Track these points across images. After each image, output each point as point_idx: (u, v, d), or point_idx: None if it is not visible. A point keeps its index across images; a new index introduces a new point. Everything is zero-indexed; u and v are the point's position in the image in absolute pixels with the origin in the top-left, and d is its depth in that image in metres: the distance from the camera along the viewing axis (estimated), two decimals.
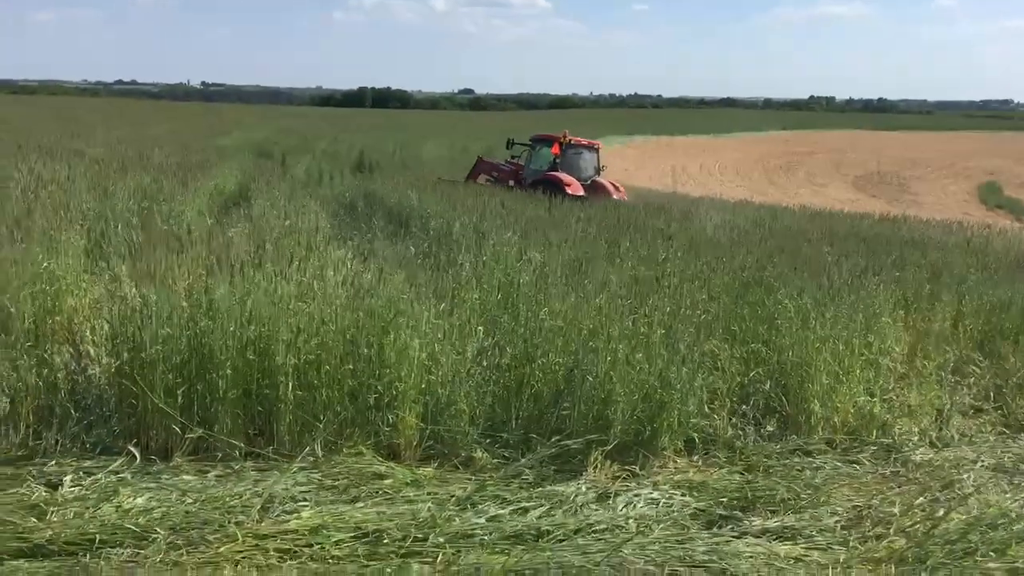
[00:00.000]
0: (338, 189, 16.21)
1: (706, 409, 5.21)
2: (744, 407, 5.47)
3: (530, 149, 19.74)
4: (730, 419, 5.32)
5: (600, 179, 18.92)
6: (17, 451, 4.36)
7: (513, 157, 20.12)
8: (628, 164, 43.52)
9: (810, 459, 5.03)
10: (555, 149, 18.69)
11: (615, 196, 17.81)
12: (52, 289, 5.59)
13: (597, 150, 19.89)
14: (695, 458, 4.98)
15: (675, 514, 4.15)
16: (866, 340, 5.96)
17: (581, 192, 17.42)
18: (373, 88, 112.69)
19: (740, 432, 5.25)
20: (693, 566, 3.58)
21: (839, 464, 4.99)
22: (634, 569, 3.38)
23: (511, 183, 18.68)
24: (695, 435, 5.05)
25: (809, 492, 4.46)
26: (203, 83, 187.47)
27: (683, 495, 4.38)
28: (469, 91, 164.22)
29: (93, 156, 15.09)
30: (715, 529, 4.05)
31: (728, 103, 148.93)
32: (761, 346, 5.85)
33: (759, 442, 5.20)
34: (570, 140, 19.08)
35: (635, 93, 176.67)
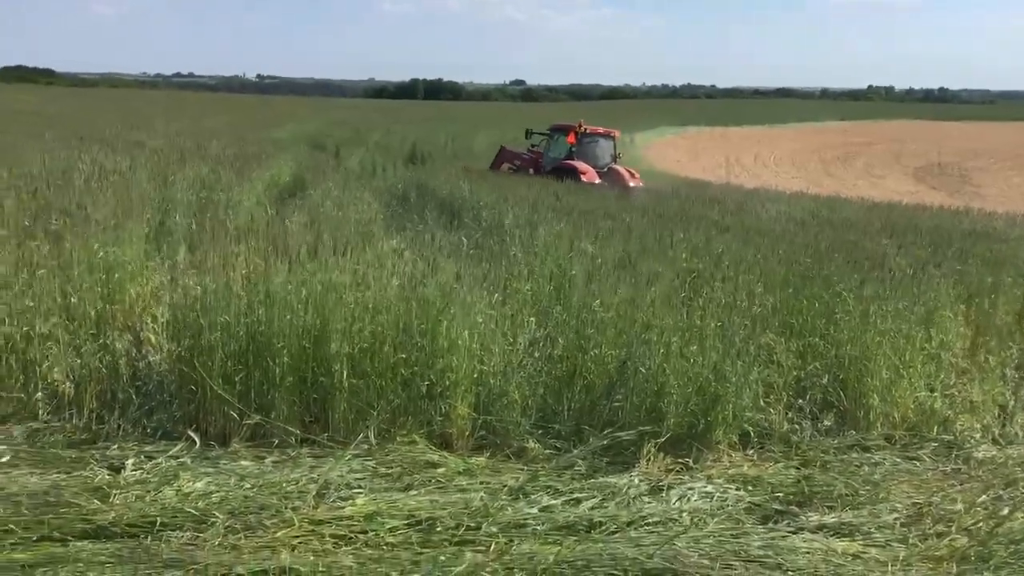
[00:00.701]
0: (391, 180, 16.31)
1: (761, 403, 5.14)
2: (800, 401, 5.39)
3: (548, 138, 20.14)
4: (786, 413, 5.24)
5: (616, 166, 19.24)
6: (81, 434, 4.47)
7: (533, 146, 20.53)
8: (681, 155, 43.13)
9: (868, 455, 4.94)
10: (571, 138, 19.17)
11: (631, 183, 18.06)
12: (115, 277, 5.72)
13: (613, 138, 20.26)
14: (750, 452, 4.92)
15: (729, 508, 4.10)
16: (927, 334, 5.83)
17: (596, 179, 17.77)
18: (425, 80, 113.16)
19: (796, 426, 5.17)
20: (748, 561, 3.53)
21: (898, 460, 4.90)
22: (688, 562, 3.34)
23: (531, 171, 19.12)
24: (750, 429, 4.99)
25: (868, 488, 4.38)
26: (258, 76, 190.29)
27: (738, 489, 4.33)
28: (520, 82, 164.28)
29: (153, 147, 15.41)
30: (771, 524, 4.00)
31: (784, 93, 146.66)
32: (818, 339, 5.75)
33: (816, 437, 5.13)
34: (586, 129, 19.50)
35: (688, 83, 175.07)
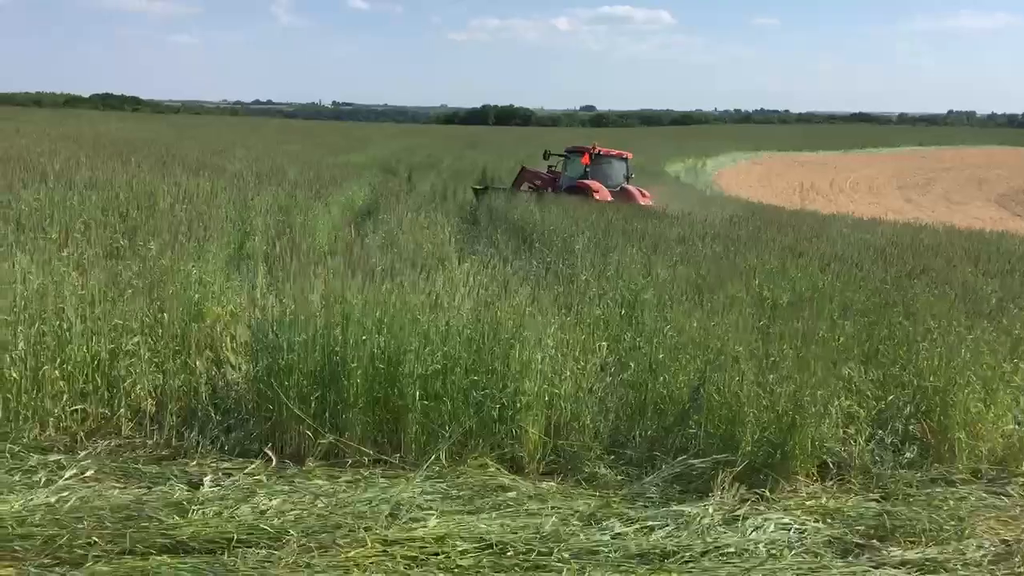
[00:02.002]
0: (462, 204, 16.47)
1: (841, 433, 5.00)
2: (881, 432, 5.22)
3: (565, 159, 21.13)
4: (866, 444, 5.08)
5: (628, 186, 20.09)
6: (162, 450, 4.58)
7: (551, 167, 21.51)
8: (753, 181, 42.61)
9: (953, 489, 4.75)
10: (585, 159, 20.07)
11: (641, 202, 18.96)
12: (197, 297, 5.87)
13: (626, 160, 21.16)
14: (829, 483, 4.78)
15: (808, 541, 3.99)
16: (1015, 365, 5.61)
17: (608, 198, 18.44)
18: (496, 106, 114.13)
19: (877, 458, 5.00)
20: None
21: (985, 495, 4.70)
22: None
23: (549, 190, 19.88)
24: (829, 460, 4.86)
25: (953, 524, 4.22)
26: (334, 102, 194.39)
27: (816, 521, 4.21)
28: (591, 108, 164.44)
29: (233, 171, 15.84)
30: (850, 558, 3.88)
31: (860, 118, 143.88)
32: (900, 369, 5.58)
33: (898, 469, 4.95)
34: (599, 151, 20.52)
35: (761, 108, 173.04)
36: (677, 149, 53.59)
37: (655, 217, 13.26)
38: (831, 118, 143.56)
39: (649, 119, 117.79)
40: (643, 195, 19.62)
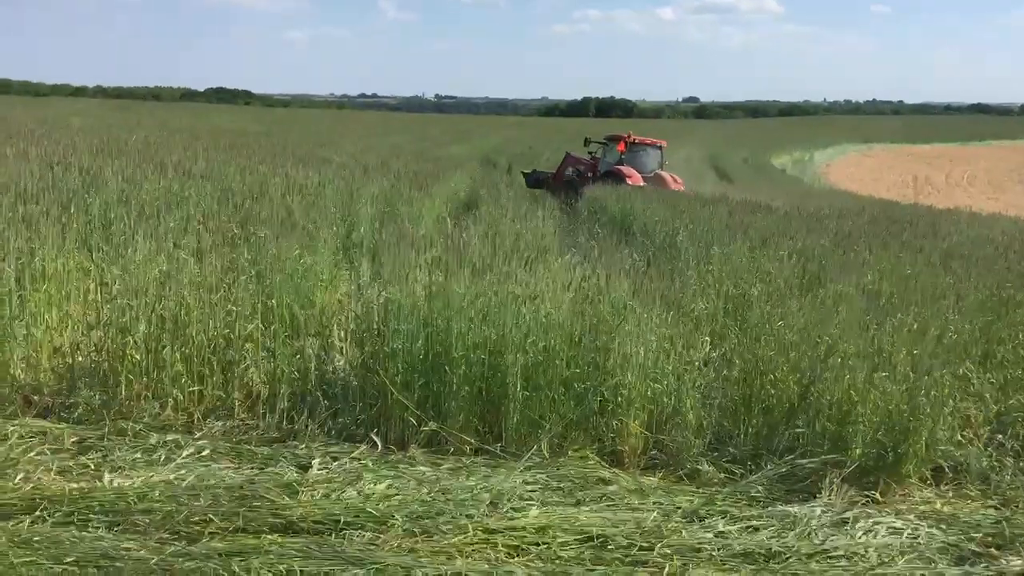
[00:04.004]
0: (562, 197, 16.44)
1: (958, 437, 4.79)
2: (1001, 437, 4.99)
3: (604, 147, 22.66)
4: (985, 449, 4.86)
5: (662, 172, 21.73)
6: (273, 433, 4.74)
7: (591, 153, 22.97)
8: (863, 174, 41.22)
9: None
10: (621, 147, 21.82)
11: (673, 187, 20.45)
12: (307, 284, 6.04)
13: (661, 148, 23.00)
14: (943, 488, 4.59)
15: (921, 546, 3.84)
16: None
17: (640, 183, 20.04)
18: (597, 98, 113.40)
19: (996, 464, 4.78)
20: None
21: None
22: None
23: (590, 174, 21.68)
24: (944, 463, 4.66)
25: None
26: (437, 96, 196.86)
27: (930, 527, 4.05)
28: (694, 99, 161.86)
29: (339, 163, 16.22)
30: (967, 566, 3.71)
31: (979, 109, 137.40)
32: (1022, 372, 5.31)
33: (1018, 476, 4.72)
34: (634, 139, 22.36)
35: (873, 99, 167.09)
36: (783, 141, 52.35)
37: (760, 211, 12.95)
38: (948, 109, 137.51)
39: (754, 110, 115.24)
40: (675, 181, 21.21)
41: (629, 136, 22.40)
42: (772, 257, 7.80)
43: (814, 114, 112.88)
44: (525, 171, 24.34)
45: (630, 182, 19.78)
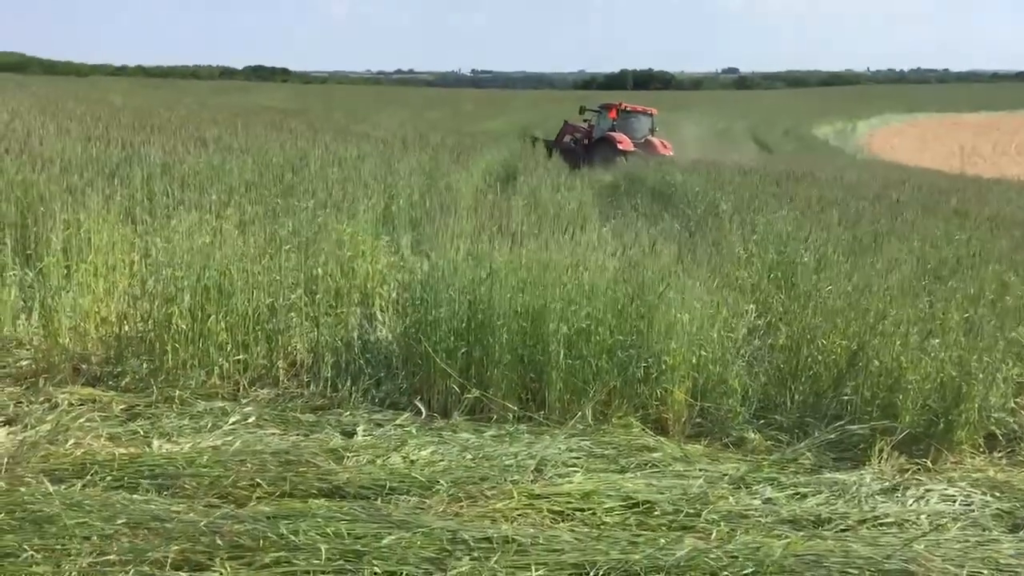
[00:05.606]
0: (600, 170, 16.34)
1: (1012, 403, 4.68)
2: None
3: (598, 114, 23.52)
4: None
5: (652, 138, 22.67)
6: (317, 400, 4.76)
7: (586, 120, 23.66)
8: (908, 143, 40.42)
9: None
10: (612, 114, 22.88)
11: (662, 152, 21.28)
12: (349, 255, 6.06)
13: (651, 115, 23.83)
14: (997, 455, 4.50)
15: (974, 513, 3.76)
16: None
17: (631, 148, 20.95)
18: (634, 70, 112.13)
19: None
20: (997, 570, 3.22)
21: None
22: (931, 566, 3.08)
23: (586, 140, 22.65)
24: (997, 431, 4.57)
25: None
26: (473, 71, 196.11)
27: (983, 494, 3.96)
28: (734, 70, 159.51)
29: (378, 137, 16.23)
30: (1022, 533, 3.63)
31: None
32: None
33: None
34: (626, 107, 23.46)
35: (918, 68, 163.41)
36: (825, 112, 51.45)
37: (807, 180, 12.76)
38: (995, 76, 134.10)
39: (796, 81, 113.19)
40: (664, 146, 22.18)
41: (621, 104, 23.61)
42: (818, 225, 7.67)
43: (856, 83, 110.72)
44: (534, 136, 24.36)
45: (621, 147, 20.89)
